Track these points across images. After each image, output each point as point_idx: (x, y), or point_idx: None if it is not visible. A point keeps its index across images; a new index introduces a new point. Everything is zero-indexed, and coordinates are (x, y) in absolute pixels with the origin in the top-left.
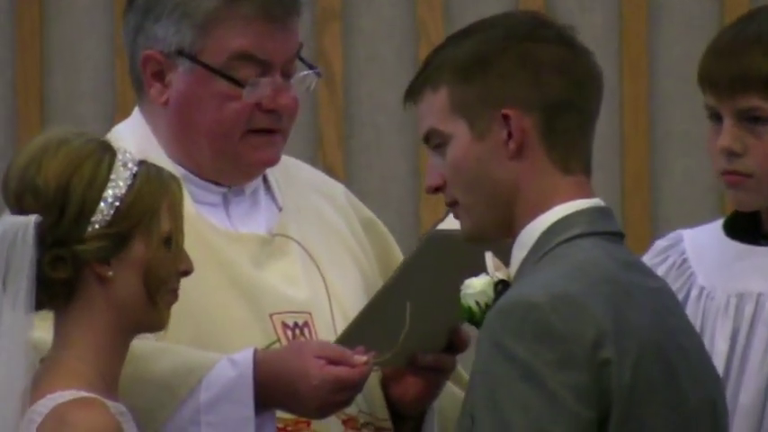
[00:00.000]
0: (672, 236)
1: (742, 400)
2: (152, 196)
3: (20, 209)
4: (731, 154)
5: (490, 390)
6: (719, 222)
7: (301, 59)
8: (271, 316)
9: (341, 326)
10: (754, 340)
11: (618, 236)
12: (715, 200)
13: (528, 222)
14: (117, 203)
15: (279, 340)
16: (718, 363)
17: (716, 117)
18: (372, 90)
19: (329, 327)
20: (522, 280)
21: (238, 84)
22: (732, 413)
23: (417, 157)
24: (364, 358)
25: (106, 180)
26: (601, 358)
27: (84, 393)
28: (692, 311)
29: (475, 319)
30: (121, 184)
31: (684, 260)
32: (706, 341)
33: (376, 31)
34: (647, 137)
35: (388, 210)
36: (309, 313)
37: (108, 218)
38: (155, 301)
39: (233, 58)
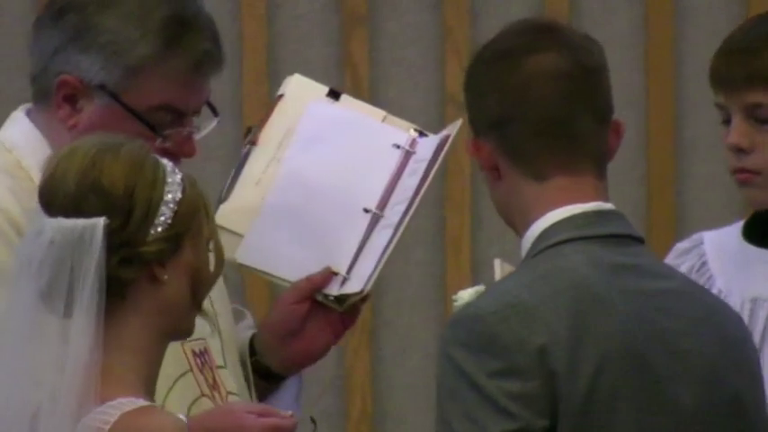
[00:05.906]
0: (692, 238)
1: None
2: (196, 200)
3: (78, 212)
4: (739, 151)
5: (442, 401)
6: (740, 224)
7: (208, 104)
8: (182, 344)
9: (217, 343)
10: (766, 346)
11: (617, 237)
12: (740, 205)
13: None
14: (174, 207)
15: (191, 369)
16: None
17: (727, 119)
18: (398, 94)
19: (217, 350)
20: (487, 290)
21: (154, 130)
22: None
23: (443, 161)
24: (290, 412)
25: (164, 183)
26: (549, 366)
27: (142, 401)
28: None
29: None
30: (176, 188)
31: (704, 263)
32: None
33: (402, 35)
34: (672, 141)
35: (414, 213)
36: (204, 339)
37: (169, 220)
38: (198, 305)
39: (156, 108)
